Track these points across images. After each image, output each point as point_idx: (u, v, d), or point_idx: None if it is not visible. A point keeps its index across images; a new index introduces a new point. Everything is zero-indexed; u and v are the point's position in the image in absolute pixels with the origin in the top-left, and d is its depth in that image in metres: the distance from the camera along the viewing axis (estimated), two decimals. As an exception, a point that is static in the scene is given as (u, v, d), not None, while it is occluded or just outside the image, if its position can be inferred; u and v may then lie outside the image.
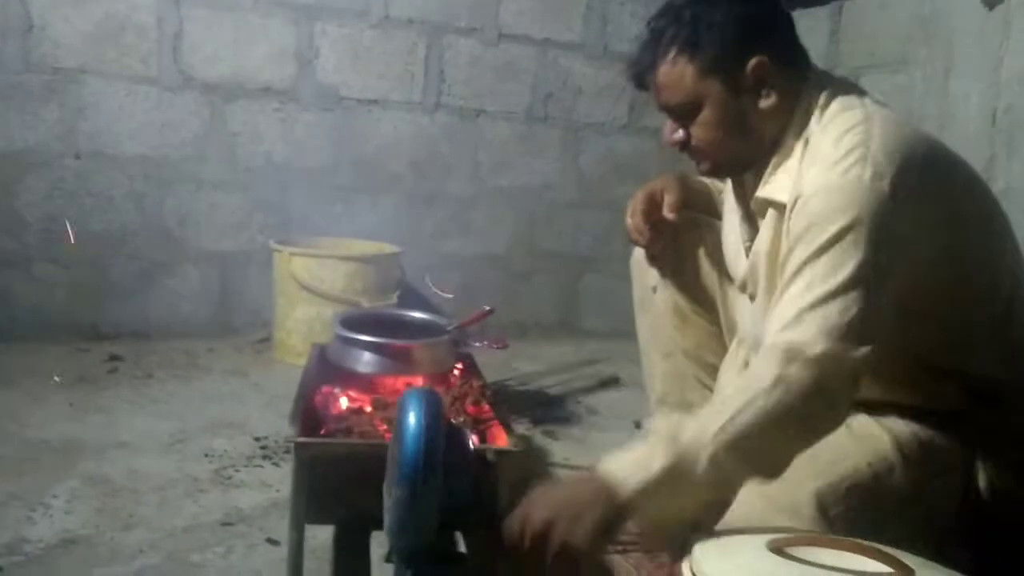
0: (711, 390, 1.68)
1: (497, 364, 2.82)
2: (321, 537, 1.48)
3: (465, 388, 1.68)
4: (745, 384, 1.10)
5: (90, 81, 2.79)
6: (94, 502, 1.66)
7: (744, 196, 1.39)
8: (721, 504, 1.14)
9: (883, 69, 2.74)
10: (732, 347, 1.55)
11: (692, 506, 1.08)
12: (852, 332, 1.06)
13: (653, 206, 1.56)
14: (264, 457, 1.95)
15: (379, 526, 1.19)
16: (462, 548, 1.37)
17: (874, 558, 0.90)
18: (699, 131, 1.28)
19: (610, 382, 2.81)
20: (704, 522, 1.11)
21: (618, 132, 3.49)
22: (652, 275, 1.67)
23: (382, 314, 2.09)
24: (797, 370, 1.05)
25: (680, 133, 1.30)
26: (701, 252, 1.63)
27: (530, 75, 3.35)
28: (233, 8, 2.91)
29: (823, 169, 1.14)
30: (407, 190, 3.24)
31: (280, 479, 1.81)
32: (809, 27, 3.20)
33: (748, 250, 1.37)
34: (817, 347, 1.06)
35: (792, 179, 1.21)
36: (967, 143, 2.25)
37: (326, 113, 3.10)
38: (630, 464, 1.07)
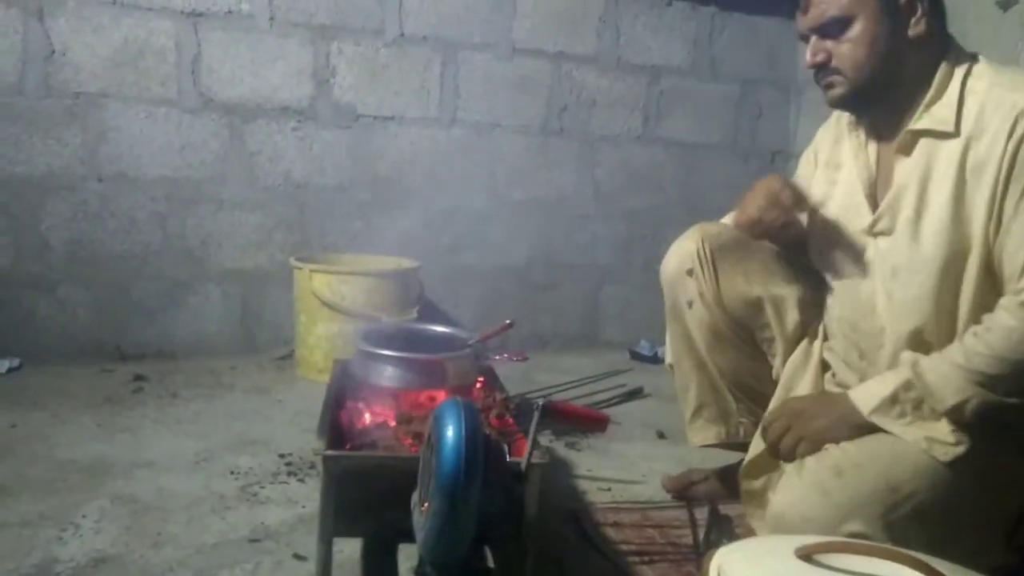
0: (750, 405, 1.68)
1: (518, 377, 2.83)
2: (348, 551, 1.49)
3: (488, 401, 1.68)
4: (989, 331, 1.18)
5: (111, 105, 2.83)
6: (123, 521, 1.68)
7: (863, 145, 1.41)
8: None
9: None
10: (803, 344, 1.57)
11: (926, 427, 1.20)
12: None
13: (775, 203, 1.45)
14: (289, 473, 1.96)
15: (406, 539, 1.19)
16: (490, 563, 1.37)
17: (906, 565, 0.89)
18: (846, 49, 1.31)
19: (636, 393, 2.80)
20: None
21: (633, 143, 3.49)
22: (690, 289, 1.65)
23: (404, 328, 2.09)
24: None
25: (822, 54, 1.33)
26: (744, 274, 1.62)
27: (545, 88, 3.37)
28: (250, 30, 2.95)
29: None
30: (425, 205, 3.26)
31: (306, 495, 1.82)
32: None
33: (870, 197, 1.38)
34: None
35: (953, 111, 1.25)
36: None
37: (343, 131, 3.12)
38: (871, 387, 1.27)
